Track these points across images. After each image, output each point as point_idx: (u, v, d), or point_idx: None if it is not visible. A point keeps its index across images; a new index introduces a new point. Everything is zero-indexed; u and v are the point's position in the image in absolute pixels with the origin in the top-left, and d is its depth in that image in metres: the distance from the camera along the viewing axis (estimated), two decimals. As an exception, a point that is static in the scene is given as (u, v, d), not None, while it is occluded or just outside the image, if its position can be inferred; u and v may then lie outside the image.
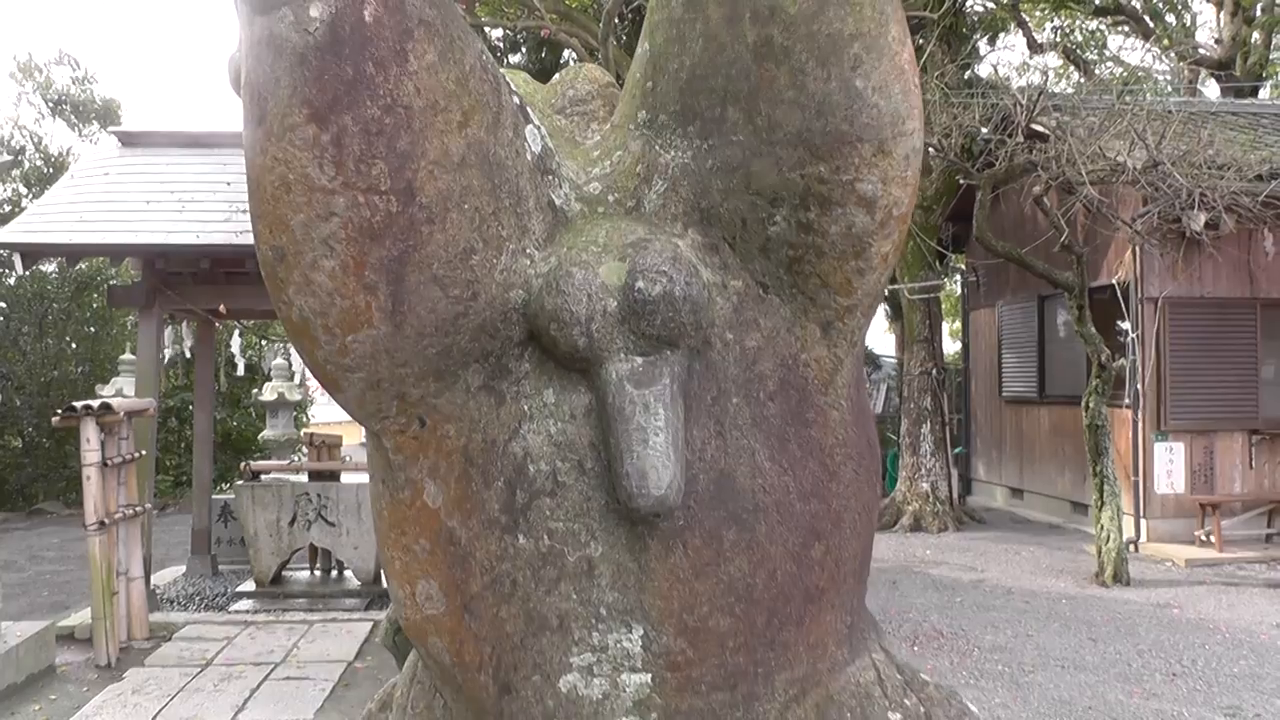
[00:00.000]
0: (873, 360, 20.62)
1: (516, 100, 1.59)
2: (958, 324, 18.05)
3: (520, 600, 1.53)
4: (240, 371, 11.49)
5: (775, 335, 1.58)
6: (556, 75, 2.05)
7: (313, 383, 13.88)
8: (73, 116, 16.31)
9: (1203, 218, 9.69)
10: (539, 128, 1.64)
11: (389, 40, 1.36)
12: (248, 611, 8.68)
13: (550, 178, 1.62)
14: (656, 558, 1.51)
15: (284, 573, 9.47)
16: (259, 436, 13.78)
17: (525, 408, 1.54)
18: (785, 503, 1.55)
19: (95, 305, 15.43)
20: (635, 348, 1.48)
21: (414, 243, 1.40)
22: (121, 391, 10.87)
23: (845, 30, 1.43)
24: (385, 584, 1.75)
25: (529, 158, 1.57)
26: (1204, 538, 10.42)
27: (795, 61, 1.44)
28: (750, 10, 1.46)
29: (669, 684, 1.54)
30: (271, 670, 6.93)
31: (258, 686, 6.56)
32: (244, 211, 8.79)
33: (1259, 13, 15.97)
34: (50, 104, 16.61)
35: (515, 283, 1.51)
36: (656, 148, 1.62)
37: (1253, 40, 16.09)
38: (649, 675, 1.54)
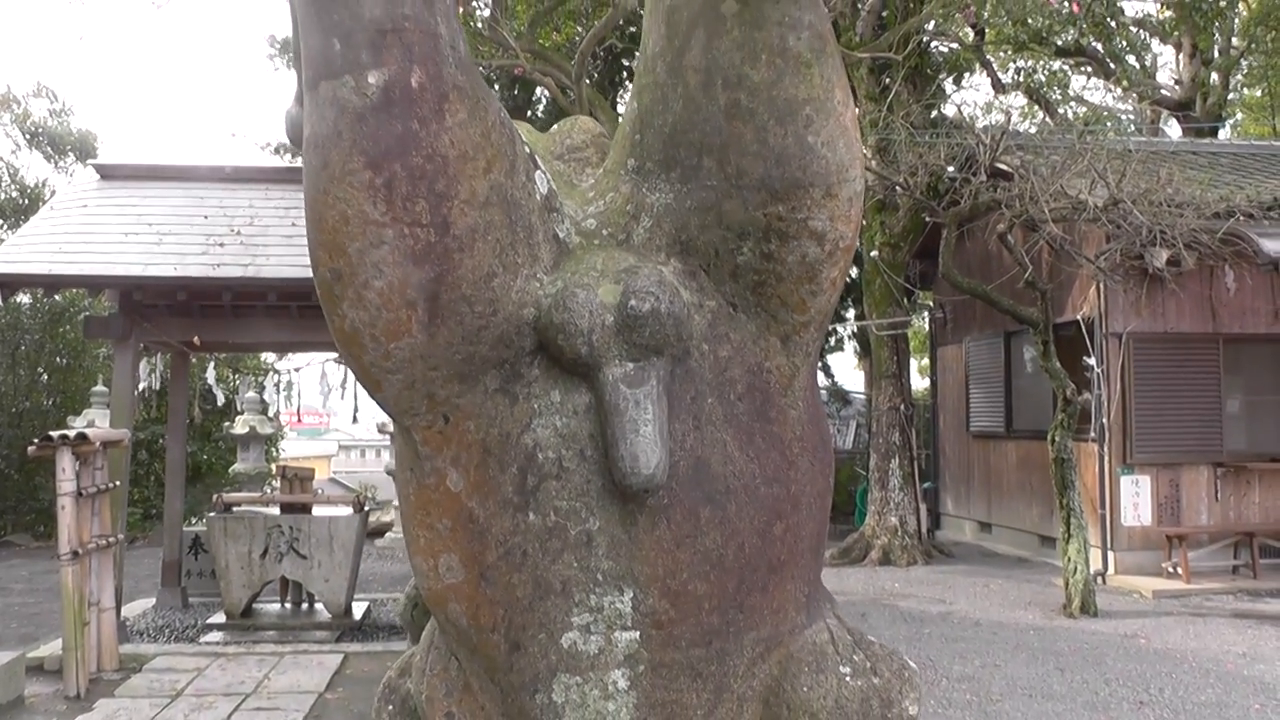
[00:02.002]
0: (842, 396, 21.08)
1: (527, 149, 1.96)
2: (927, 360, 18.53)
3: (530, 568, 1.87)
4: (220, 402, 11.72)
5: (743, 346, 1.95)
6: (555, 126, 2.43)
7: (283, 416, 14.16)
8: (49, 148, 16.54)
9: (1164, 254, 10.18)
10: (545, 173, 2.01)
11: (430, 102, 1.72)
12: (218, 643, 8.80)
13: (555, 214, 1.99)
14: (645, 530, 1.86)
15: (255, 605, 9.63)
16: (230, 469, 14.00)
17: (535, 406, 1.89)
18: (751, 486, 1.91)
19: (68, 336, 15.61)
20: (628, 355, 1.84)
21: (447, 267, 1.76)
22: (93, 423, 11.09)
23: (799, 95, 1.81)
24: (410, 560, 2.04)
25: (538, 198, 1.94)
26: (1171, 569, 10.83)
27: (759, 121, 1.81)
28: (722, 78, 1.83)
29: (654, 640, 1.89)
30: (242, 701, 7.05)
31: (228, 717, 6.69)
32: (221, 245, 9.07)
33: (1216, 55, 16.70)
34: (27, 136, 16.82)
35: (528, 301, 1.88)
36: (643, 190, 1.99)
37: (1211, 81, 16.83)
38: (637, 633, 1.89)
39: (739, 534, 1.90)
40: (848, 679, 1.97)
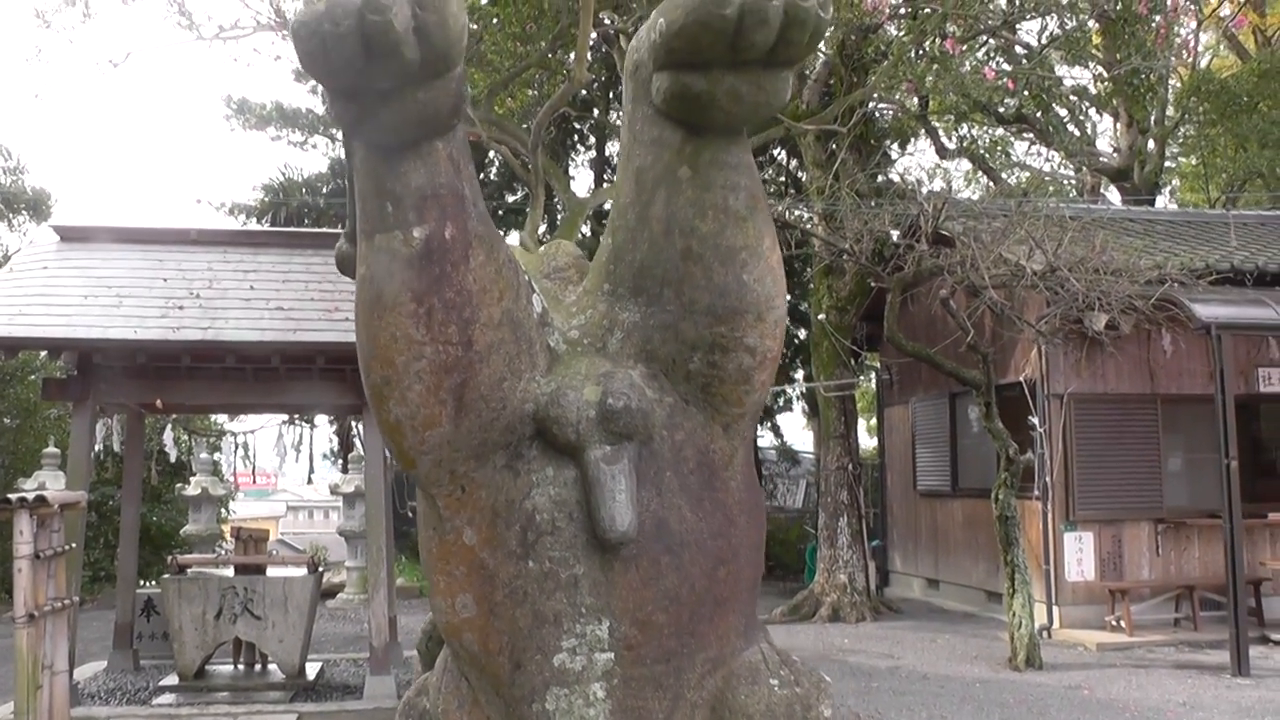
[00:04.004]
0: (792, 456, 21.93)
1: (527, 278, 2.67)
2: (875, 420, 19.40)
3: (529, 604, 2.55)
4: (174, 462, 12.19)
5: (694, 432, 2.67)
6: (542, 248, 3.17)
7: (234, 477, 14.65)
8: (2, 206, 16.95)
9: (1103, 319, 11.08)
10: (539, 295, 2.72)
11: (459, 250, 2.42)
12: (171, 705, 9.16)
13: (548, 328, 2.70)
14: (619, 574, 2.55)
15: (208, 666, 10.06)
16: (181, 531, 14.42)
17: (534, 478, 2.59)
18: (701, 540, 2.61)
19: (19, 397, 15.96)
20: (606, 439, 2.54)
21: (470, 375, 2.46)
22: (44, 485, 11.52)
23: (737, 243, 2.54)
24: (431, 600, 2.68)
25: (535, 316, 2.65)
26: (1114, 623, 11.65)
27: (706, 262, 2.54)
28: (678, 228, 2.55)
29: (626, 659, 2.57)
30: None
31: None
32: (180, 308, 9.60)
33: (1152, 124, 17.91)
34: None
35: (529, 398, 2.58)
36: (616, 309, 2.71)
37: (1148, 150, 18.04)
38: (613, 654, 2.57)
39: (691, 577, 2.60)
40: (776, 689, 2.69)
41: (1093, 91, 17.36)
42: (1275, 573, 12.00)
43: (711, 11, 2.22)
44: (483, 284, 2.45)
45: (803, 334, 20.22)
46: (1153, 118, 17.71)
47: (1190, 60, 17.81)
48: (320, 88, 18.66)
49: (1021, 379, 12.33)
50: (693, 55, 2.33)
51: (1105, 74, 15.50)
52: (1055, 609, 11.97)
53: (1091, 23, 13.38)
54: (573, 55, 10.45)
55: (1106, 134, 21.04)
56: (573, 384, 2.58)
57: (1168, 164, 20.15)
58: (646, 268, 2.63)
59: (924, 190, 13.13)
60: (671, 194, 2.54)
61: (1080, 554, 11.83)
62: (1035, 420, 12.02)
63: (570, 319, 2.77)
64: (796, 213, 13.96)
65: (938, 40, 10.90)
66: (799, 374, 20.82)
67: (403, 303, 2.39)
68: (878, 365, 16.78)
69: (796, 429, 24.84)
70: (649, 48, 2.45)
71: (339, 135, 19.15)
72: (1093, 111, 18.83)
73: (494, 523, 2.57)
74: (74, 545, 9.20)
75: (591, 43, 11.65)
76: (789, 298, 17.63)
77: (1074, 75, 16.76)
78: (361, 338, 2.50)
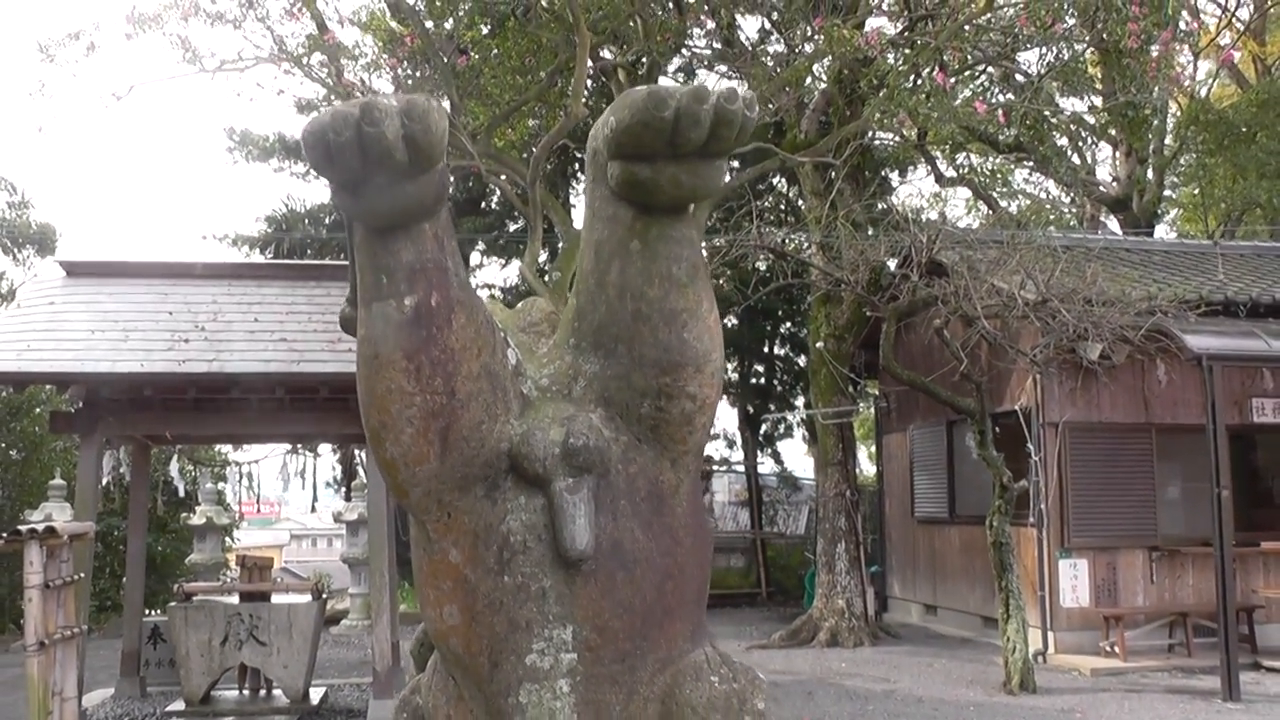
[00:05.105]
0: (793, 483, 22.49)
1: (503, 334, 3.24)
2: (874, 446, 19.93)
3: (505, 613, 3.12)
4: (181, 493, 12.76)
5: (645, 466, 3.25)
6: (520, 304, 3.74)
7: (239, 506, 15.23)
8: (8, 241, 17.59)
9: (1097, 349, 11.61)
10: (514, 348, 3.30)
11: (443, 314, 3.00)
12: None
13: (521, 377, 3.29)
14: (580, 587, 3.12)
15: (213, 692, 10.59)
16: (187, 560, 14.98)
17: (508, 505, 3.16)
18: (651, 558, 3.19)
19: (25, 430, 16.57)
20: (569, 473, 3.12)
21: (453, 420, 3.03)
22: (50, 516, 12.10)
23: (679, 307, 3.12)
24: (422, 611, 3.24)
25: (510, 368, 3.23)
26: (1109, 648, 12.15)
27: (653, 323, 3.11)
28: (630, 293, 3.13)
29: (587, 659, 3.14)
30: None
31: None
32: (186, 341, 10.13)
33: (1151, 154, 18.45)
34: None
35: (504, 438, 3.16)
36: (580, 361, 3.29)
37: (1147, 179, 18.57)
38: (575, 655, 3.14)
39: (643, 589, 3.17)
40: (716, 685, 3.27)
41: (1091, 121, 17.91)
42: (1268, 600, 12.49)
43: (652, 114, 2.80)
44: (464, 342, 3.03)
45: (802, 361, 20.81)
46: (1151, 147, 18.24)
47: (1189, 88, 18.35)
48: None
49: (1017, 407, 12.87)
50: (638, 149, 2.91)
51: (1103, 104, 16.04)
52: (1050, 634, 12.48)
53: (1089, 53, 13.98)
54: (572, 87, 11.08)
55: (1106, 162, 21.64)
56: (540, 425, 3.16)
57: (1167, 193, 20.67)
58: (604, 326, 3.21)
59: (922, 218, 13.72)
60: (624, 264, 3.12)
61: (1075, 580, 12.34)
62: (1031, 448, 12.54)
63: (542, 368, 3.36)
64: (794, 242, 14.55)
65: (933, 71, 11.49)
66: (799, 401, 21.41)
67: (396, 360, 2.97)
68: (876, 393, 17.35)
69: (798, 455, 25.47)
70: (603, 140, 3.02)
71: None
72: (1092, 140, 19.39)
73: (475, 544, 3.15)
74: (82, 575, 9.71)
75: (590, 74, 12.28)
76: (789, 325, 18.26)
77: (1073, 104, 17.33)
78: (362, 388, 3.08)
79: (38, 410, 16.59)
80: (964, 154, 16.52)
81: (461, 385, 3.04)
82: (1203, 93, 20.31)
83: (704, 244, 14.09)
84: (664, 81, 14.83)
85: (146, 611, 12.28)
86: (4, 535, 8.91)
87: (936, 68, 11.44)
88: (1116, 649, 12.06)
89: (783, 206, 20.79)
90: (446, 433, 3.06)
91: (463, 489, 3.16)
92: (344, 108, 2.68)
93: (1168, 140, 18.79)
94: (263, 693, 10.94)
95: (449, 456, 3.08)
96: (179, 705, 10.37)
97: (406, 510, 3.30)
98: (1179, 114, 18.56)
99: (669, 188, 2.97)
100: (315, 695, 10.84)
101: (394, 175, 2.76)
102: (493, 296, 20.57)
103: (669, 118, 2.79)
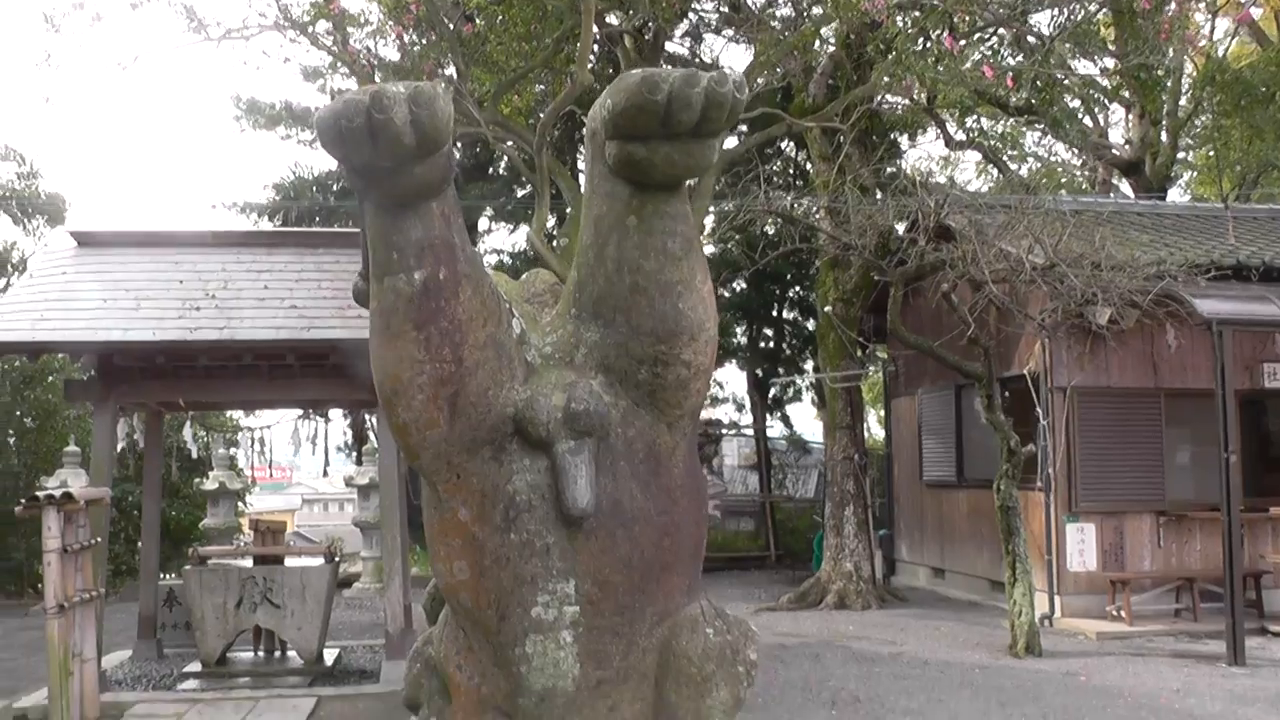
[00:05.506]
0: (802, 446, 22.75)
1: (508, 305, 3.47)
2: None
3: (511, 568, 3.36)
4: (194, 458, 13.04)
5: (643, 429, 3.48)
6: (524, 275, 3.97)
7: (251, 471, 15.54)
8: (17, 211, 17.85)
9: (1106, 313, 11.77)
10: (519, 318, 3.53)
11: (450, 287, 3.22)
12: (195, 690, 10.01)
13: (525, 345, 3.51)
14: (582, 543, 3.36)
15: (229, 654, 10.90)
16: (200, 525, 15.30)
17: (514, 467, 3.40)
18: (649, 516, 3.42)
19: (39, 399, 16.90)
20: (570, 435, 3.36)
21: (461, 386, 3.27)
22: (66, 483, 12.38)
23: (674, 279, 3.34)
24: (433, 567, 3.46)
25: (515, 337, 3.46)
26: (1115, 613, 12.40)
27: (649, 294, 3.34)
28: (627, 266, 3.35)
29: (588, 612, 3.39)
30: None
31: None
32: (197, 309, 10.33)
33: (1164, 116, 18.43)
34: None
35: (509, 404, 3.39)
36: (581, 330, 3.52)
37: (1161, 142, 18.57)
38: (578, 607, 3.39)
39: (641, 546, 3.41)
40: (710, 636, 3.52)
41: (1104, 84, 17.92)
42: (1275, 566, 12.70)
43: (646, 97, 3.01)
44: (470, 314, 3.26)
45: (810, 325, 21.00)
46: (1165, 109, 18.19)
47: (1205, 48, 18.26)
48: (330, 91, 19.46)
49: (1025, 372, 13.06)
50: (634, 130, 3.12)
51: (1116, 65, 16.08)
52: (1057, 598, 12.73)
53: (1102, 13, 14.05)
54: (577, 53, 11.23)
55: (1119, 125, 21.63)
56: (544, 391, 3.39)
57: (1181, 156, 20.61)
58: (603, 298, 3.43)
59: (931, 182, 13.86)
60: (622, 238, 3.34)
61: (1082, 545, 12.57)
62: (1039, 412, 12.73)
63: (545, 337, 3.58)
64: (802, 206, 14.71)
65: (941, 34, 11.61)
66: (808, 365, 21.62)
67: (407, 331, 3.20)
68: (885, 356, 17.55)
69: (807, 419, 25.73)
70: (601, 121, 3.23)
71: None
72: (1105, 103, 19.38)
73: (482, 503, 3.39)
74: (99, 540, 9.98)
75: (595, 40, 12.42)
76: (797, 289, 18.43)
77: (1085, 66, 17.32)
78: (375, 358, 3.31)
79: (50, 378, 16.91)
80: (973, 117, 16.62)
81: (469, 354, 3.27)
82: (1220, 52, 20.21)
83: (712, 208, 14.31)
84: (670, 47, 14.98)
85: (161, 575, 12.57)
86: (22, 501, 9.21)
87: (945, 31, 11.56)
88: (1122, 613, 12.29)
89: (791, 171, 20.91)
90: (455, 399, 3.29)
91: (471, 451, 3.39)
92: (355, 95, 2.90)
93: (1182, 102, 18.74)
94: (277, 654, 11.25)
95: (458, 421, 3.32)
96: (195, 666, 10.68)
97: (418, 472, 3.54)
98: (1194, 74, 18.52)
99: (663, 166, 3.18)
100: (329, 657, 11.13)
101: (402, 158, 2.98)
102: (500, 263, 20.77)
103: (662, 101, 3.00)
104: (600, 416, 3.38)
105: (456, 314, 3.23)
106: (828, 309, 15.34)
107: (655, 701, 3.54)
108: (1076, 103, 17.94)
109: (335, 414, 13.24)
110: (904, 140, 18.08)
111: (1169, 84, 17.44)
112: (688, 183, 3.39)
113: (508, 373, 3.42)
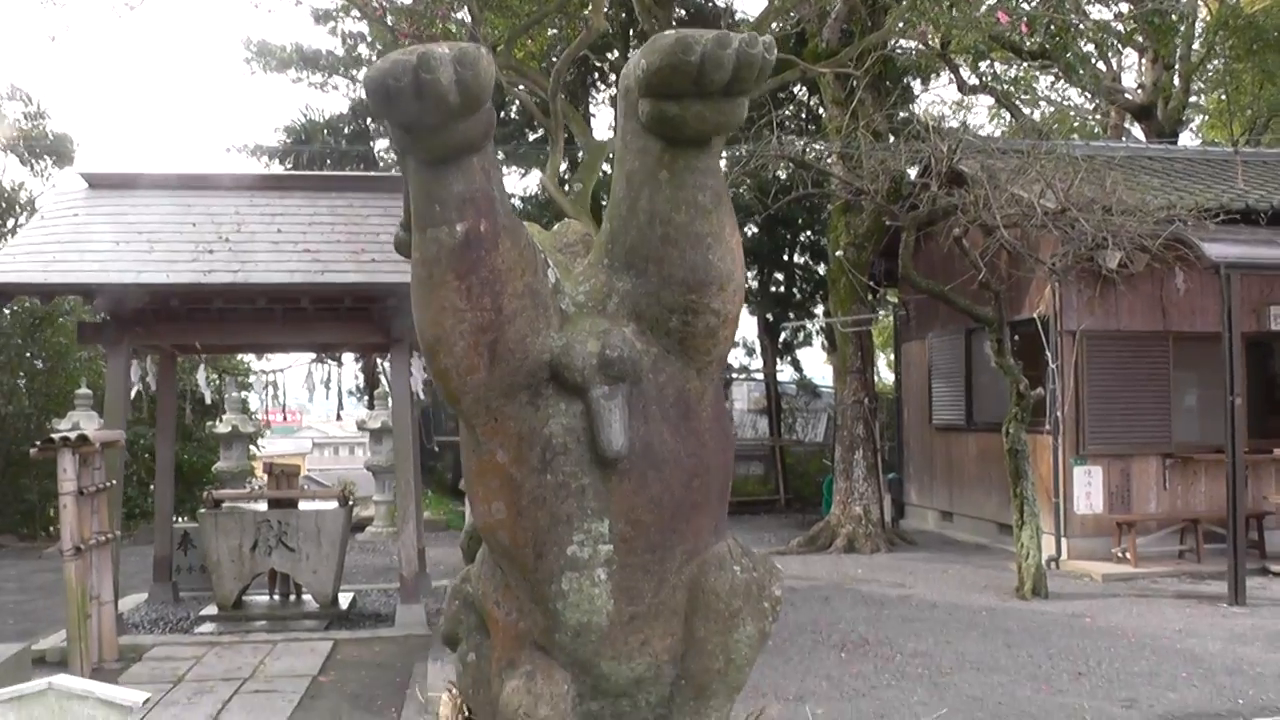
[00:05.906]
0: (812, 390, 22.98)
1: (543, 255, 3.64)
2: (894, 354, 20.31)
3: (547, 508, 3.55)
4: (208, 401, 13.25)
5: (673, 375, 3.66)
6: (556, 225, 4.14)
7: (264, 415, 15.76)
8: (25, 151, 17.94)
9: (1116, 257, 11.92)
10: (554, 268, 3.70)
11: (490, 238, 3.39)
12: (212, 633, 10.31)
13: (560, 294, 3.69)
14: (615, 485, 3.56)
15: (245, 597, 11.14)
16: (213, 468, 15.54)
17: (550, 411, 3.59)
18: (679, 458, 3.62)
19: (50, 341, 17.08)
20: (605, 381, 3.54)
21: (500, 334, 3.45)
22: (78, 425, 12.58)
23: (704, 231, 3.50)
24: (472, 508, 3.64)
25: (550, 286, 3.63)
26: (1120, 554, 12.67)
27: (680, 246, 3.50)
28: (659, 218, 3.52)
29: (621, 550, 3.59)
30: (241, 685, 8.47)
31: (229, 699, 8.07)
32: (210, 252, 10.45)
33: (1178, 61, 18.46)
34: (2, 140, 18.16)
35: (545, 350, 3.57)
36: (614, 279, 3.69)
37: (1173, 86, 18.60)
38: (611, 546, 3.59)
39: (671, 487, 3.60)
40: (738, 573, 3.72)
41: (1118, 28, 17.92)
42: (1278, 506, 12.95)
43: (680, 58, 3.16)
44: (509, 264, 3.43)
45: (821, 269, 21.15)
46: (1178, 54, 18.24)
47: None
48: (342, 34, 19.42)
49: (1035, 315, 13.24)
50: (667, 89, 3.27)
51: (1130, 10, 16.10)
52: (1064, 541, 12.99)
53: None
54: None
55: (1132, 69, 21.60)
56: (579, 338, 3.57)
57: (1193, 100, 20.65)
58: (635, 248, 3.60)
59: (943, 127, 13.94)
60: (653, 192, 3.50)
61: (1089, 487, 12.82)
62: (1049, 356, 12.92)
63: (578, 286, 3.75)
64: (815, 151, 14.80)
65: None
66: (818, 309, 21.78)
67: (449, 280, 3.38)
68: (895, 301, 17.70)
69: (817, 363, 25.93)
70: (635, 80, 3.38)
71: (359, 76, 20.04)
72: (1119, 47, 19.37)
73: (520, 445, 3.58)
74: (114, 482, 10.16)
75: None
76: (809, 233, 18.57)
77: (1100, 10, 17.34)
78: (417, 307, 3.49)
79: (61, 320, 17.08)
80: (987, 62, 16.65)
81: (508, 303, 3.45)
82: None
83: (725, 153, 14.38)
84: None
85: (175, 518, 12.79)
86: (37, 443, 9.38)
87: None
88: (1128, 555, 12.56)
89: (803, 115, 20.95)
90: (494, 345, 3.47)
91: (509, 396, 3.58)
92: (402, 55, 3.05)
93: (1195, 46, 18.75)
94: (293, 598, 11.49)
95: (497, 367, 3.50)
96: (211, 609, 10.91)
97: (458, 415, 3.73)
98: (1208, 19, 18.52)
99: (695, 123, 3.34)
100: (344, 600, 11.38)
101: (446, 117, 3.14)
102: (512, 207, 20.83)
103: (695, 61, 3.15)
104: (633, 363, 3.56)
105: (496, 264, 3.40)
106: (839, 253, 15.48)
107: (685, 636, 3.76)
108: (1090, 47, 17.95)
109: (348, 358, 13.42)
110: (917, 85, 18.14)
111: (1182, 28, 17.46)
112: (717, 139, 3.54)
113: (544, 320, 3.59)
